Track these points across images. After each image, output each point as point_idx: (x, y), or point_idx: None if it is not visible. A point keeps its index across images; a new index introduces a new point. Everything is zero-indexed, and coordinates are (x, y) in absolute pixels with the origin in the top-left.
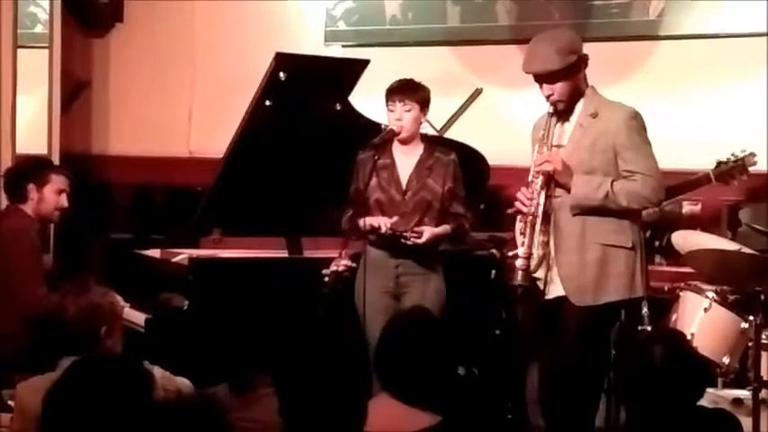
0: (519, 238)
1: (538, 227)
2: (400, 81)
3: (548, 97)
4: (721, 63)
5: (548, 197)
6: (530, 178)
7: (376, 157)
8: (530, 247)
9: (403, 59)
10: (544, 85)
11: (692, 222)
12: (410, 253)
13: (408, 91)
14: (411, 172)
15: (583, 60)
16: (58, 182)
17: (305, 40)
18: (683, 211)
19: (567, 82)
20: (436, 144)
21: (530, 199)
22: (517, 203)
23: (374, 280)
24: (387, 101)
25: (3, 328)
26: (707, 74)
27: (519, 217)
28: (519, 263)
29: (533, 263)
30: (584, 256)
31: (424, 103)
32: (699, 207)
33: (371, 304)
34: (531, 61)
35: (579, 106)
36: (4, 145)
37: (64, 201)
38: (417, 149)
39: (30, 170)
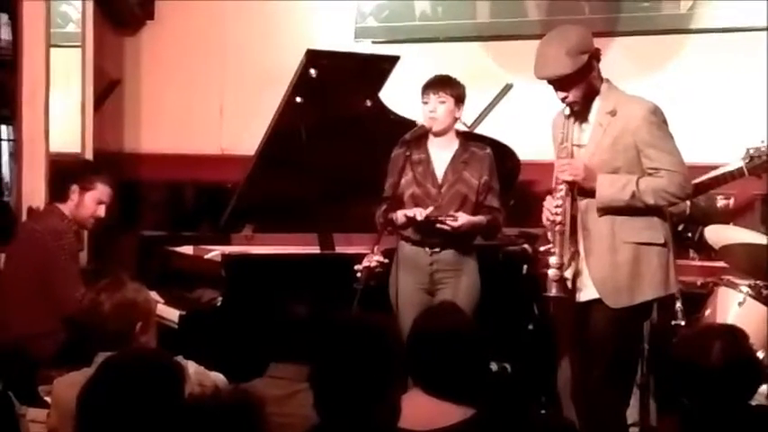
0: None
1: (567, 235)
2: (436, 76)
3: (563, 99)
4: (753, 56)
5: (573, 201)
6: (553, 184)
7: (408, 153)
8: (561, 256)
9: (433, 55)
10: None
11: (725, 216)
12: (444, 247)
13: (443, 85)
14: (447, 166)
15: (594, 56)
16: (102, 192)
17: (335, 36)
18: (717, 205)
19: (580, 83)
20: (471, 139)
21: (556, 207)
22: (544, 216)
23: (408, 276)
24: (422, 94)
25: (41, 327)
26: (739, 67)
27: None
28: (552, 273)
29: (565, 270)
30: (616, 257)
31: (459, 99)
32: (731, 201)
33: (406, 300)
34: (542, 66)
35: (596, 104)
36: (38, 143)
37: (101, 212)
38: (452, 144)
39: (78, 171)
